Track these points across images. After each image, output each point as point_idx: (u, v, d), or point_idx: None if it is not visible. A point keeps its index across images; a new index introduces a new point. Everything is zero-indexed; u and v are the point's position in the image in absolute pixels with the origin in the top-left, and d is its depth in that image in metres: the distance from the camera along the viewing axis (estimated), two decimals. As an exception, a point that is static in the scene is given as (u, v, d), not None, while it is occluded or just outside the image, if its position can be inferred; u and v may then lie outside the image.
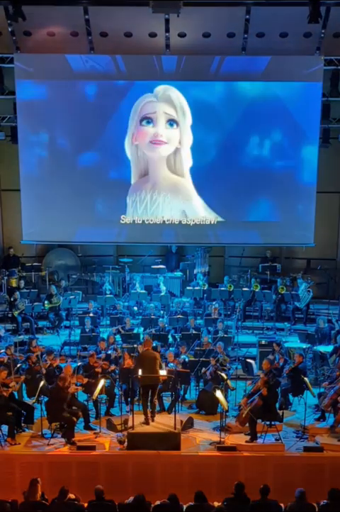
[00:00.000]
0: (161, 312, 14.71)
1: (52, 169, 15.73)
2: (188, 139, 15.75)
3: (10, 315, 14.79)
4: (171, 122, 15.75)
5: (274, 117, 15.48)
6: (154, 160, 15.94)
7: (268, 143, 15.66)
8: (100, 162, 15.79)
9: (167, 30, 14.57)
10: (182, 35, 14.88)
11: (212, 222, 15.92)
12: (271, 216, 15.93)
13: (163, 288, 15.40)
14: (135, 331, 13.34)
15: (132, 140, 15.80)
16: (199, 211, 15.95)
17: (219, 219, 15.87)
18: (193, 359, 11.80)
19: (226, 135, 15.66)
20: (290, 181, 15.73)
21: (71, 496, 7.79)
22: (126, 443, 9.60)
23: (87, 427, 10.34)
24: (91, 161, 15.76)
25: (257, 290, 14.98)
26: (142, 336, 12.81)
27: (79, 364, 11.57)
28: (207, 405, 11.06)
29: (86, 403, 10.70)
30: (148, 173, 15.95)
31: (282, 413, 10.37)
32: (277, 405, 10.42)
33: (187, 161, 15.85)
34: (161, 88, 15.58)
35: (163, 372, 10.25)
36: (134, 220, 16.01)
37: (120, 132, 15.71)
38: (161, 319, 13.63)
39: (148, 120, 15.73)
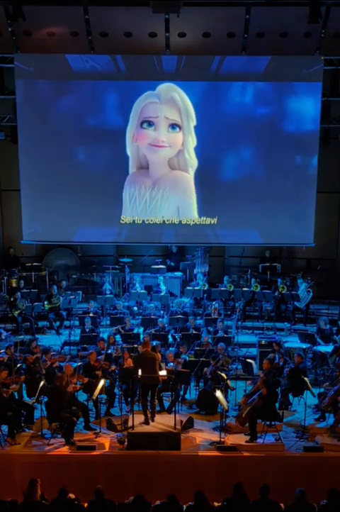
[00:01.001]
0: (161, 312, 14.71)
1: (51, 170, 15.70)
2: (192, 140, 15.68)
3: (10, 315, 14.79)
4: (174, 126, 15.67)
5: (273, 117, 15.50)
6: (155, 162, 15.90)
7: (266, 144, 15.67)
8: (100, 158, 15.71)
9: (167, 30, 14.58)
10: (182, 35, 14.88)
11: (212, 222, 15.93)
12: (272, 214, 15.94)
13: (163, 288, 15.41)
14: (135, 331, 13.34)
15: (132, 139, 15.77)
16: (194, 211, 15.94)
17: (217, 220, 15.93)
18: (193, 359, 11.80)
19: (226, 137, 15.68)
20: (292, 181, 15.72)
21: (71, 496, 7.79)
22: (126, 443, 9.60)
23: (87, 427, 10.33)
24: (90, 159, 15.74)
25: (257, 290, 14.98)
26: (142, 336, 12.81)
27: (79, 363, 11.57)
28: (207, 405, 11.05)
29: (86, 403, 10.70)
30: (148, 168, 15.92)
31: (282, 413, 10.36)
32: (277, 405, 10.44)
33: (191, 162, 15.77)
34: (164, 88, 15.43)
35: (163, 372, 10.25)
36: (134, 220, 16.01)
37: (120, 129, 15.67)
38: (160, 319, 13.62)
39: (149, 123, 15.66)
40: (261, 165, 15.81)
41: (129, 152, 15.83)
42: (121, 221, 16.00)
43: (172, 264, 16.59)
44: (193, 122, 15.62)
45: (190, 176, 15.89)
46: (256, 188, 15.80)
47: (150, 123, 15.65)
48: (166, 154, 15.79)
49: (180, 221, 15.98)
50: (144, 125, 15.68)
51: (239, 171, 15.81)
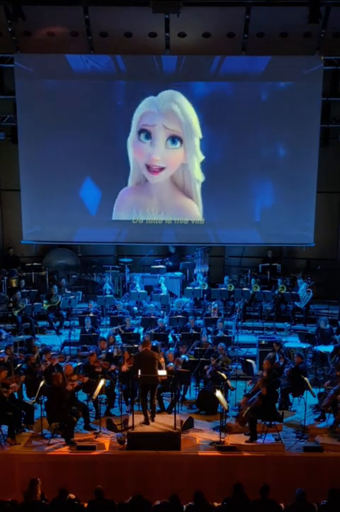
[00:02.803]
0: (162, 312, 14.71)
1: (51, 169, 15.70)
2: (197, 157, 15.44)
3: (10, 315, 14.78)
4: (174, 139, 15.39)
5: (273, 117, 15.47)
6: (153, 182, 15.70)
7: (267, 144, 15.65)
8: (101, 158, 15.62)
9: (167, 30, 14.58)
10: (182, 35, 14.89)
11: (212, 222, 15.90)
12: (272, 214, 15.91)
13: (164, 288, 15.39)
14: (135, 331, 13.34)
15: (132, 146, 15.60)
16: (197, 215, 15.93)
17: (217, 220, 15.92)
18: (193, 359, 11.80)
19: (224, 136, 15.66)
20: (292, 182, 15.66)
21: (71, 496, 7.79)
22: (126, 443, 9.60)
23: (87, 427, 10.33)
24: (91, 159, 15.66)
25: (257, 290, 14.98)
26: (142, 336, 12.80)
27: (79, 364, 11.58)
28: (207, 405, 11.05)
29: (86, 403, 10.70)
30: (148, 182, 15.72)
31: (282, 413, 10.36)
32: (277, 405, 10.44)
33: (196, 177, 15.59)
34: (164, 97, 15.18)
35: (162, 372, 10.24)
36: (134, 220, 15.99)
37: (122, 130, 15.58)
38: (160, 319, 13.62)
39: (146, 133, 15.39)
40: (261, 165, 15.75)
41: (130, 156, 15.61)
42: (121, 221, 15.98)
43: (171, 263, 16.57)
44: (198, 136, 15.36)
45: (195, 203, 15.72)
46: (256, 188, 15.79)
47: (147, 135, 15.37)
48: (162, 177, 15.48)
49: (180, 221, 15.96)
50: (141, 136, 15.44)
51: (238, 172, 15.76)
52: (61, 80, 15.28)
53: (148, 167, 15.56)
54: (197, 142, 15.44)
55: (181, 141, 15.44)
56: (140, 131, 15.46)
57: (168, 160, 15.52)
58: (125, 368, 10.86)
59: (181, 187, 15.75)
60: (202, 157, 15.50)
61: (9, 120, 15.98)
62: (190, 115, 15.32)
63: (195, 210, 15.86)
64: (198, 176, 15.64)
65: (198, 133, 15.36)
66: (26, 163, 15.61)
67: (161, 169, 15.51)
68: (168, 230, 16.05)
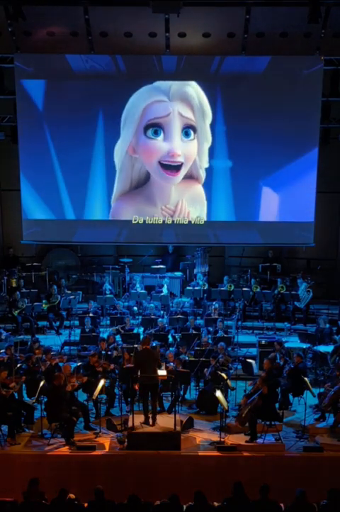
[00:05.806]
0: (162, 312, 14.71)
1: (51, 169, 15.69)
2: (207, 142, 15.13)
3: (10, 315, 14.79)
4: (188, 130, 15.04)
5: (273, 116, 15.46)
6: (165, 186, 15.28)
7: (266, 144, 15.60)
8: (101, 158, 15.58)
9: (167, 30, 14.58)
10: (182, 35, 14.87)
11: (212, 222, 15.88)
12: (272, 214, 15.89)
13: (165, 291, 15.37)
14: (135, 331, 13.34)
15: (127, 149, 15.35)
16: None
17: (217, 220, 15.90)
18: (192, 359, 11.80)
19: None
20: (291, 182, 15.66)
21: (71, 496, 7.79)
22: (126, 443, 9.60)
23: (87, 427, 10.33)
24: (90, 159, 15.64)
25: (257, 290, 14.98)
26: (141, 336, 12.80)
27: (79, 364, 11.57)
28: (207, 405, 11.05)
29: (86, 403, 10.70)
30: (145, 184, 15.39)
31: (282, 413, 10.37)
32: (277, 405, 10.44)
33: (203, 164, 15.33)
34: (174, 84, 14.84)
35: (162, 372, 10.23)
36: (134, 220, 15.99)
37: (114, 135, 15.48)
38: (160, 319, 13.62)
39: (156, 128, 14.86)
40: (260, 165, 15.72)
41: (117, 164, 15.20)
42: (121, 221, 15.97)
43: (170, 267, 16.56)
44: (209, 119, 15.08)
45: (201, 188, 15.48)
46: (256, 188, 15.77)
47: (157, 130, 14.87)
48: (182, 174, 14.85)
49: (180, 221, 15.96)
50: (149, 132, 14.91)
51: (238, 172, 15.75)
52: (62, 80, 15.27)
53: (164, 166, 14.96)
54: (208, 126, 15.09)
55: (194, 131, 15.06)
56: (147, 127, 15.04)
57: (186, 154, 14.95)
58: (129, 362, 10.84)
59: (188, 174, 15.41)
60: (210, 141, 15.11)
61: (9, 120, 15.97)
62: (202, 97, 14.97)
63: (202, 193, 15.42)
64: (205, 163, 15.38)
65: (209, 116, 14.93)
66: (26, 163, 15.61)
67: (181, 165, 14.82)
68: (168, 230, 16.02)
